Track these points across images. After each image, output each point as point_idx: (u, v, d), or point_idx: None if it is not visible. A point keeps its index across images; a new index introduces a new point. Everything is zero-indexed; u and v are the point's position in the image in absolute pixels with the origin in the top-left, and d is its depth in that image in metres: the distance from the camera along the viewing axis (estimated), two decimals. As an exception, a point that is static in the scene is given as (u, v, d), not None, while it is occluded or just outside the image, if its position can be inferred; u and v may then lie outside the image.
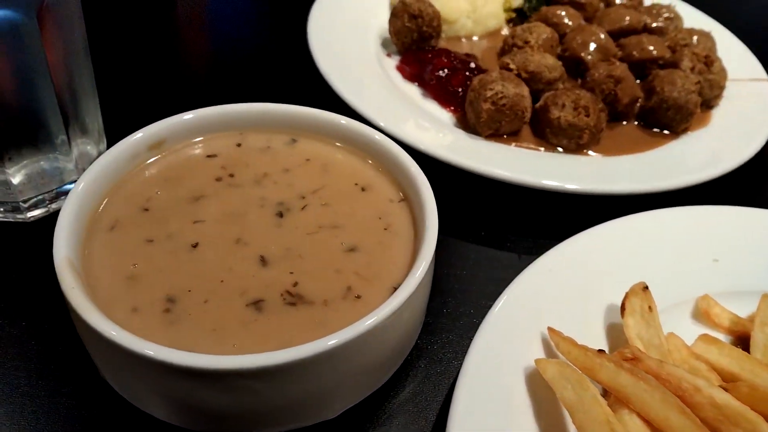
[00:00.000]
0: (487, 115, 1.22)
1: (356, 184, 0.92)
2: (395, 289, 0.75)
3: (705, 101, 1.41)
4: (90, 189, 0.81)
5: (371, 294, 0.76)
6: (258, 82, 1.49)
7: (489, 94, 1.21)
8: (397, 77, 1.47)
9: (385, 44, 1.57)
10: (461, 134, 1.27)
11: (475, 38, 1.64)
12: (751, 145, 1.28)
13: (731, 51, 1.62)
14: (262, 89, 1.47)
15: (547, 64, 1.33)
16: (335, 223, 0.85)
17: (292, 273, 0.77)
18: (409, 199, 0.89)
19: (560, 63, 1.37)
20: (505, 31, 1.67)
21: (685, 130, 1.35)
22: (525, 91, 1.25)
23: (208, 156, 0.94)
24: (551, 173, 1.16)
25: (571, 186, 1.13)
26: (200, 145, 0.96)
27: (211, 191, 0.88)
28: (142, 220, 0.83)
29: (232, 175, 0.91)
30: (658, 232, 1.03)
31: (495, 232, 1.15)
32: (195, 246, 0.79)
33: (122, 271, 0.75)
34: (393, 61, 1.52)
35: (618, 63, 1.34)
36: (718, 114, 1.42)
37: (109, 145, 1.14)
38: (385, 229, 0.85)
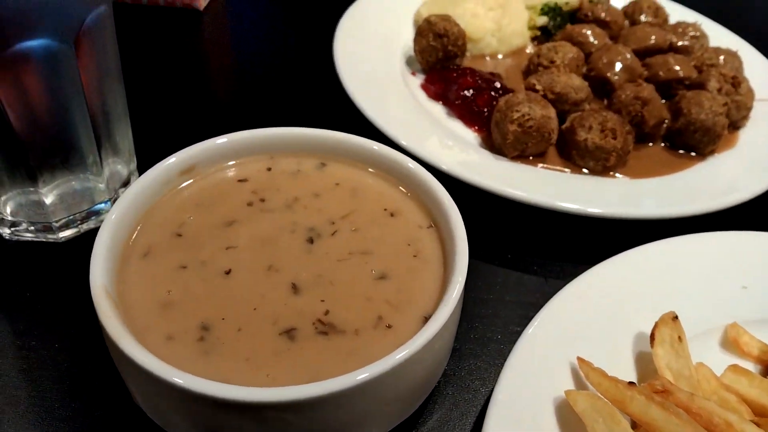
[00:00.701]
0: (513, 136, 1.22)
1: (385, 209, 0.92)
2: (426, 318, 0.76)
3: (732, 122, 1.41)
4: (123, 216, 0.82)
5: (402, 323, 0.76)
6: (287, 103, 1.50)
7: (516, 116, 1.21)
8: (422, 96, 1.48)
9: (409, 62, 1.57)
10: (486, 155, 1.28)
11: (499, 56, 1.64)
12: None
13: (758, 70, 1.61)
14: (291, 111, 1.47)
15: (574, 85, 1.33)
16: (365, 249, 0.85)
17: (323, 301, 0.78)
18: (438, 226, 0.89)
19: (586, 83, 1.37)
20: (530, 50, 1.67)
21: (711, 152, 1.34)
22: (552, 112, 1.25)
23: (240, 180, 0.95)
24: (577, 196, 1.16)
25: (597, 210, 1.12)
26: (231, 170, 0.97)
27: (242, 216, 0.89)
28: (175, 246, 0.84)
29: (263, 200, 0.92)
30: (686, 258, 1.03)
31: (521, 255, 1.15)
32: (228, 273, 0.80)
33: (157, 298, 0.76)
34: (418, 80, 1.52)
35: (644, 84, 1.33)
36: (745, 135, 1.42)
37: (140, 164, 1.16)
38: (415, 255, 0.86)
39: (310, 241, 0.86)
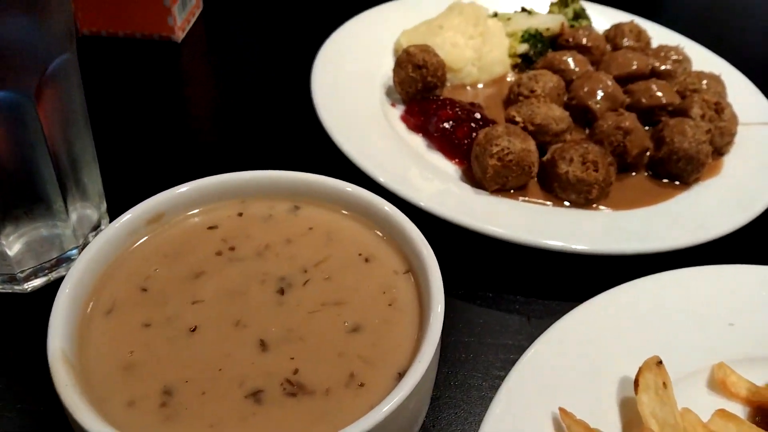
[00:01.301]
0: (493, 170, 1.20)
1: (360, 254, 0.90)
2: (401, 374, 0.73)
3: (716, 149, 1.39)
4: (86, 272, 0.80)
5: (375, 381, 0.73)
6: (264, 140, 1.47)
7: (495, 150, 1.20)
8: (402, 128, 1.46)
9: (390, 93, 1.56)
10: (467, 189, 1.26)
11: (480, 85, 1.63)
12: (764, 197, 1.25)
13: (742, 93, 1.60)
14: (269, 148, 1.44)
15: (554, 116, 1.31)
16: (338, 299, 0.83)
17: (292, 359, 0.75)
18: (415, 271, 0.87)
19: (567, 114, 1.35)
20: (511, 77, 1.66)
21: (696, 180, 1.33)
22: (531, 145, 1.23)
23: (209, 228, 0.92)
24: (559, 232, 1.14)
25: (580, 247, 1.10)
26: (200, 217, 0.94)
27: (211, 267, 0.86)
28: (139, 302, 0.81)
29: (232, 248, 0.89)
30: (671, 295, 1.01)
31: (503, 293, 1.12)
32: (194, 330, 0.78)
33: (119, 360, 0.74)
34: (398, 111, 1.51)
35: (626, 113, 1.32)
36: (729, 161, 1.40)
37: (111, 206, 1.14)
38: (390, 304, 0.83)
39: (281, 291, 0.83)
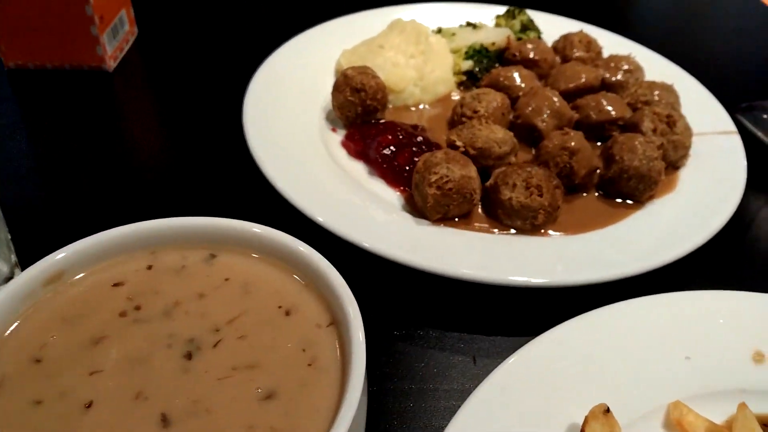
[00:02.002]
0: (433, 200, 1.15)
1: (280, 306, 0.84)
2: (316, 446, 0.67)
3: (670, 163, 1.35)
4: (-31, 347, 0.73)
5: (287, 456, 0.67)
6: (196, 177, 1.40)
7: (433, 178, 1.15)
8: (343, 155, 1.41)
9: (330, 118, 1.50)
10: (408, 219, 1.20)
11: (425, 106, 1.58)
12: (720, 213, 1.22)
13: (696, 101, 1.57)
14: (201, 186, 1.37)
15: (497, 138, 1.27)
16: (252, 361, 0.77)
17: (197, 435, 0.69)
18: (338, 323, 0.81)
19: (511, 135, 1.31)
20: (456, 96, 1.61)
21: (650, 198, 1.29)
22: (472, 171, 1.18)
23: (114, 285, 0.86)
24: (503, 264, 1.09)
25: (522, 279, 1.06)
26: (105, 273, 0.88)
27: (113, 331, 0.80)
28: (32, 376, 0.74)
29: (138, 308, 0.83)
30: (623, 328, 0.96)
31: (447, 330, 1.07)
32: (89, 406, 0.71)
33: (1, 447, 0.67)
34: (339, 136, 1.45)
35: (572, 132, 1.27)
36: (685, 175, 1.36)
37: (20, 256, 1.07)
38: (310, 364, 0.77)
39: (189, 356, 0.77)
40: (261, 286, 0.87)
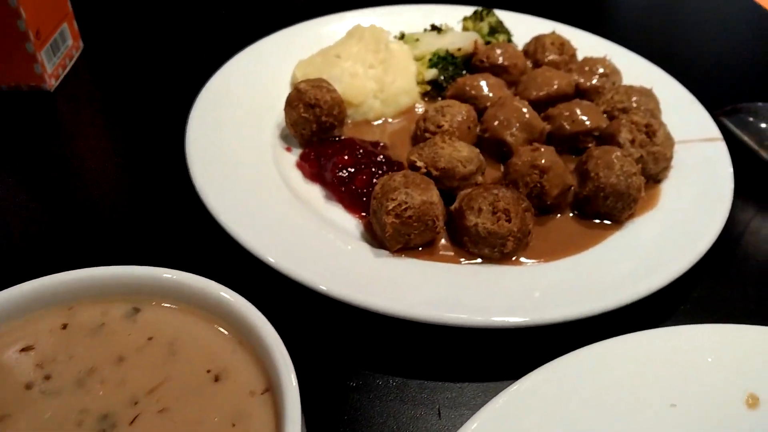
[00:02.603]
0: (392, 229, 1.07)
1: (209, 370, 0.75)
2: None
3: (650, 176, 1.28)
4: None
5: None
6: (138, 212, 1.30)
7: (391, 205, 1.06)
8: (298, 177, 1.32)
9: (284, 136, 1.41)
10: (366, 251, 1.12)
11: (389, 120, 1.49)
12: (706, 233, 1.14)
13: (678, 105, 1.50)
14: (142, 221, 1.27)
15: (461, 156, 1.18)
16: (173, 440, 0.68)
17: None
18: (274, 389, 0.72)
19: (477, 152, 1.23)
20: (420, 108, 1.53)
21: (630, 217, 1.21)
22: (434, 195, 1.10)
23: (23, 350, 0.77)
24: (468, 301, 1.01)
25: (481, 319, 0.97)
26: (14, 334, 0.79)
27: (17, 407, 0.71)
28: None
29: (48, 377, 0.74)
30: (599, 375, 0.88)
31: (408, 378, 0.99)
32: (-22, 506, 0.62)
33: None
34: (294, 156, 1.36)
35: (542, 148, 1.19)
36: (667, 189, 1.29)
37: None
38: (240, 440, 0.68)
39: (100, 437, 0.68)
40: (188, 345, 0.78)
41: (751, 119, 1.54)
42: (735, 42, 2.11)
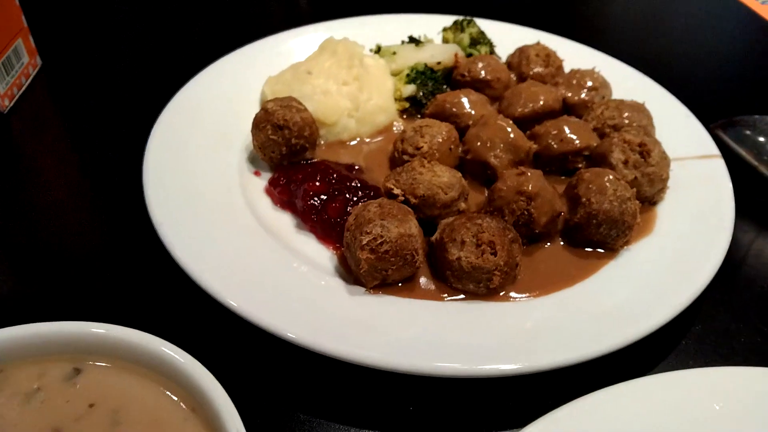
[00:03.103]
0: (367, 265, 0.99)
1: (157, 443, 0.67)
2: None
3: (646, 199, 1.21)
4: None
5: None
6: (86, 247, 1.22)
7: (365, 240, 0.98)
8: (267, 204, 1.24)
9: (253, 159, 1.33)
10: (339, 289, 1.04)
11: (362, 140, 1.41)
12: (707, 261, 1.07)
13: (672, 120, 1.44)
14: (96, 256, 1.19)
15: (442, 182, 1.11)
16: None
17: None
18: (230, 465, 0.64)
19: (459, 176, 1.15)
20: (400, 126, 1.45)
21: (625, 243, 1.13)
22: (412, 227, 1.02)
23: (-59, 423, 0.68)
24: (450, 345, 0.93)
25: (467, 368, 0.90)
26: (-68, 405, 0.70)
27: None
28: None
29: (-31, 456, 0.65)
30: (606, 424, 0.80)
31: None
32: None
33: None
34: (263, 181, 1.28)
35: (529, 173, 1.12)
36: (663, 212, 1.22)
37: None
38: None
39: None
40: (134, 413, 0.70)
41: (748, 132, 1.47)
42: (730, 51, 2.05)
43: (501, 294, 1.04)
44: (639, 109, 1.34)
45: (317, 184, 1.19)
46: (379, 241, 0.98)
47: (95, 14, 2.05)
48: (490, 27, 1.71)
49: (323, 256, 1.13)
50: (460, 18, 1.66)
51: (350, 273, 1.07)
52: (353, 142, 1.40)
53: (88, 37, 1.92)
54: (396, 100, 1.47)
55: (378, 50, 1.59)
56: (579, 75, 1.47)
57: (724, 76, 1.88)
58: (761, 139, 1.45)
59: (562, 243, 1.15)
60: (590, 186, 1.11)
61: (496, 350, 0.92)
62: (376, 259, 0.98)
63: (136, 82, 1.69)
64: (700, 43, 2.07)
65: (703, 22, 2.22)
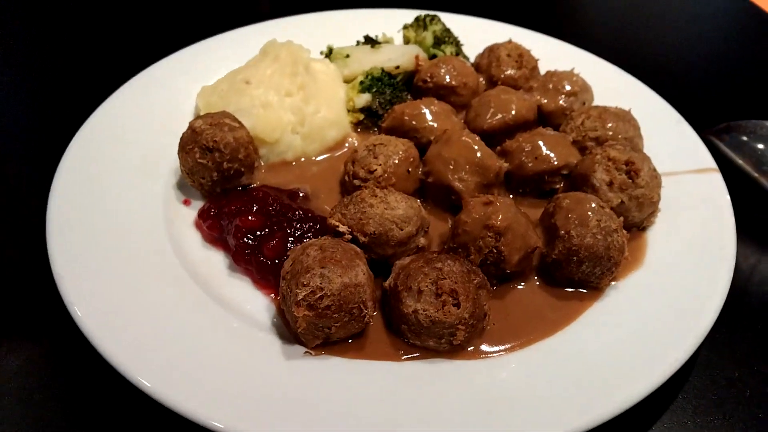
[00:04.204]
0: (305, 323, 0.85)
1: None
2: None
3: (634, 225, 1.08)
4: None
5: None
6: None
7: (302, 294, 0.84)
8: (196, 240, 1.10)
9: (183, 185, 1.19)
10: (275, 350, 0.91)
11: (313, 158, 1.27)
12: (708, 300, 0.95)
13: (662, 127, 1.31)
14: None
15: (396, 216, 0.97)
16: None
17: None
18: None
19: (417, 206, 1.02)
20: (354, 142, 1.31)
21: (612, 280, 1.00)
22: (359, 274, 0.88)
23: None
24: (404, 419, 0.79)
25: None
26: None
27: None
28: None
29: None
30: None
31: None
32: None
33: None
34: (194, 211, 1.14)
35: (498, 202, 0.98)
36: (654, 239, 1.10)
37: None
38: None
39: None
40: None
41: (745, 139, 1.35)
42: (726, 47, 1.91)
43: (468, 350, 0.91)
44: (624, 117, 1.21)
45: (251, 218, 1.05)
46: (318, 295, 0.84)
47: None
48: (456, 23, 1.58)
49: (259, 305, 0.99)
50: (423, 14, 1.52)
51: (290, 328, 0.93)
52: (301, 162, 1.25)
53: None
54: (349, 111, 1.33)
55: (329, 53, 1.44)
56: (556, 78, 1.33)
57: (719, 74, 1.76)
58: (760, 146, 1.33)
59: (537, 282, 1.02)
60: (570, 216, 0.98)
61: (459, 427, 0.79)
62: (316, 316, 0.85)
63: (48, 100, 1.53)
64: (693, 39, 1.94)
65: (696, 15, 2.09)
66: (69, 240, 1.00)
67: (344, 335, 0.90)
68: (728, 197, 1.14)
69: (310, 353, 0.90)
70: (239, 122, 1.15)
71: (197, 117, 1.15)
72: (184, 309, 0.94)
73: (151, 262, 1.01)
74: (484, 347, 0.92)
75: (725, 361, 0.99)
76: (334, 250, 0.90)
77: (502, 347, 0.92)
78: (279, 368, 0.87)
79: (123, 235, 1.04)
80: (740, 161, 1.32)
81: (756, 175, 1.29)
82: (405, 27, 1.53)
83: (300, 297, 0.84)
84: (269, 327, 0.95)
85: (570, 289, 1.00)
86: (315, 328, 0.86)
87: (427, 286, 0.87)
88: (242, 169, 1.13)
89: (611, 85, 1.41)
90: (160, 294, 0.96)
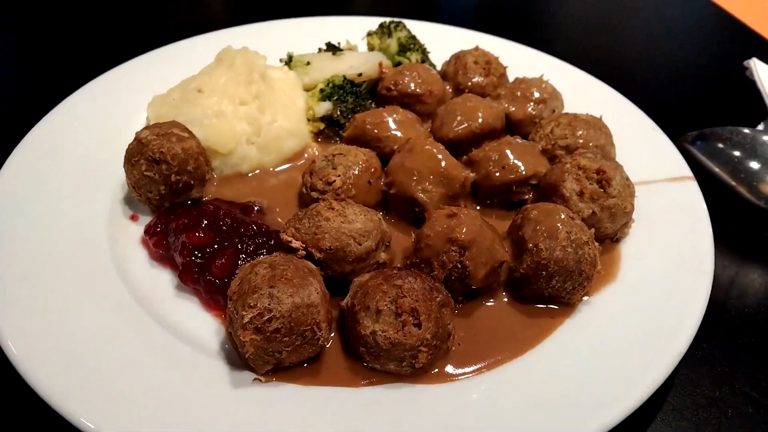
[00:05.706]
0: (252, 347, 0.79)
1: None
2: None
3: (606, 237, 1.03)
4: None
5: None
6: None
7: (248, 316, 0.78)
8: (143, 258, 1.03)
9: (130, 200, 1.12)
10: (223, 377, 0.84)
11: (270, 170, 1.21)
12: (685, 320, 0.89)
13: (635, 135, 1.27)
14: None
15: (354, 230, 0.91)
16: None
17: None
18: None
19: (377, 219, 0.96)
20: (315, 151, 1.25)
21: (584, 295, 0.95)
22: (312, 293, 0.82)
23: None
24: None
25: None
26: None
27: None
28: None
29: None
30: None
31: None
32: None
33: None
34: (141, 228, 1.07)
35: (462, 214, 0.92)
36: (629, 251, 1.05)
37: None
38: None
39: None
40: None
41: (721, 146, 1.30)
42: (699, 53, 1.88)
43: (431, 373, 0.85)
44: (596, 125, 1.16)
45: (199, 234, 0.98)
46: (266, 317, 0.78)
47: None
48: (422, 30, 1.53)
49: (207, 327, 0.92)
50: (387, 20, 1.46)
51: (239, 351, 0.86)
52: (256, 174, 1.19)
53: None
54: (309, 120, 1.27)
55: (289, 60, 1.38)
56: (524, 85, 1.28)
57: (693, 80, 1.71)
58: (737, 153, 1.28)
59: (506, 299, 0.96)
60: (538, 227, 0.93)
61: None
62: (264, 340, 0.78)
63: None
64: (666, 46, 1.91)
65: (669, 20, 2.05)
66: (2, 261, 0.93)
67: (297, 360, 0.84)
68: (705, 206, 1.09)
69: (260, 380, 0.83)
70: (189, 132, 1.09)
71: (143, 128, 1.08)
72: (125, 334, 0.87)
73: (90, 285, 0.94)
74: (449, 369, 0.86)
75: (705, 379, 0.94)
76: (285, 267, 0.83)
77: (468, 369, 0.86)
78: (226, 397, 0.80)
79: (61, 255, 0.97)
80: (716, 169, 1.28)
81: (733, 183, 1.25)
82: (369, 34, 1.48)
83: (246, 320, 0.78)
84: (217, 352, 0.88)
85: (540, 306, 0.95)
86: (264, 352, 0.80)
87: (386, 305, 0.81)
88: (192, 182, 1.07)
89: (582, 93, 1.36)
90: (99, 319, 0.89)
